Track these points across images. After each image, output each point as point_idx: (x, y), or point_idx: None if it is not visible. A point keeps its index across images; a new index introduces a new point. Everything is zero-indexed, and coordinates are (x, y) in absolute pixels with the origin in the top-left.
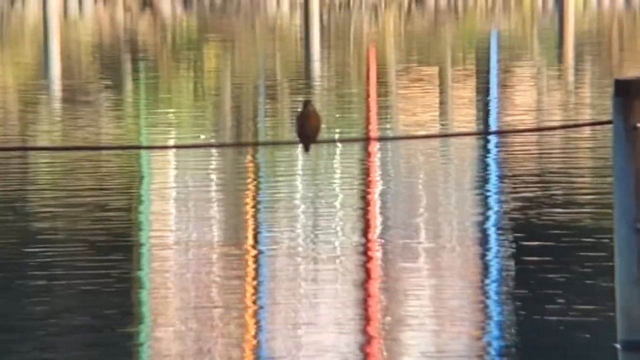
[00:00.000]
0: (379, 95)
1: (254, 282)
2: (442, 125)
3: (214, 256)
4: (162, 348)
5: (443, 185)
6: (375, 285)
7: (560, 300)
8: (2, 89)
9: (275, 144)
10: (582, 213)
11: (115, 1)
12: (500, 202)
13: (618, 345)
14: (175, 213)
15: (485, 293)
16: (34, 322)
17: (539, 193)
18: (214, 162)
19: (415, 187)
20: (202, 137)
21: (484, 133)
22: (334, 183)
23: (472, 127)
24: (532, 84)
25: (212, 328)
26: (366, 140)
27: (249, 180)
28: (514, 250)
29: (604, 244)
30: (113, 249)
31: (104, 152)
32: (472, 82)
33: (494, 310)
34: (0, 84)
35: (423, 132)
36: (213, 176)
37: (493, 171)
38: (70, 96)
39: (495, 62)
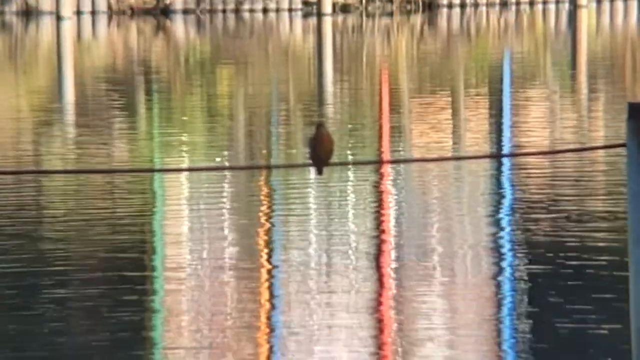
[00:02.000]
0: (391, 117)
1: (267, 304)
2: (454, 147)
3: (228, 278)
4: None
5: (455, 207)
6: (389, 306)
7: (574, 321)
8: (16, 112)
9: (288, 166)
10: (596, 235)
11: (128, 25)
12: (512, 224)
13: None
14: (189, 235)
15: (499, 313)
16: (46, 342)
17: (551, 215)
18: (226, 185)
19: (427, 209)
20: (218, 159)
21: (496, 156)
22: (347, 205)
23: (485, 149)
24: (545, 106)
25: (226, 348)
26: (379, 162)
27: (262, 203)
28: (527, 271)
29: (619, 266)
30: (126, 272)
31: (116, 175)
32: (484, 105)
33: (508, 330)
34: (14, 107)
35: (436, 155)
36: (226, 199)
37: (506, 193)
38: (84, 119)
39: (508, 85)
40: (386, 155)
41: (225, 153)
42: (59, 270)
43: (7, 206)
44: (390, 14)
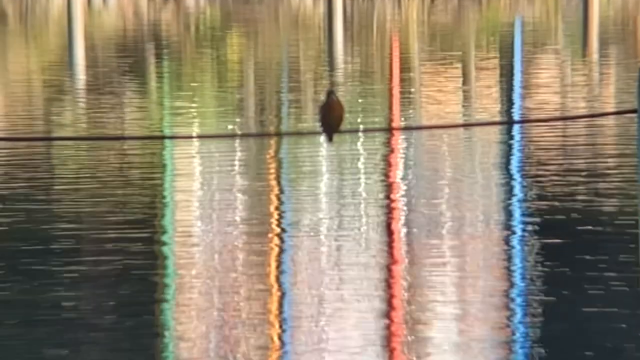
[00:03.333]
0: (402, 84)
1: (278, 268)
2: (465, 114)
3: (237, 249)
4: (185, 349)
5: (467, 175)
6: (399, 279)
7: (589, 299)
8: (27, 80)
9: (298, 134)
10: (607, 203)
11: None
12: (524, 192)
13: None
14: (198, 203)
15: (512, 289)
16: (57, 314)
17: (563, 183)
18: (237, 152)
19: (438, 176)
20: (228, 127)
21: (507, 122)
22: (357, 173)
23: (496, 116)
24: (556, 73)
25: (237, 311)
26: (389, 130)
27: (272, 170)
28: (539, 242)
29: (630, 234)
30: (135, 239)
31: (127, 142)
32: (495, 72)
33: (520, 305)
34: (26, 75)
35: (447, 122)
36: (236, 166)
37: (517, 161)
38: (95, 87)
39: (519, 51)
40: (397, 123)
41: (236, 120)
42: (67, 232)
43: (19, 171)
44: None
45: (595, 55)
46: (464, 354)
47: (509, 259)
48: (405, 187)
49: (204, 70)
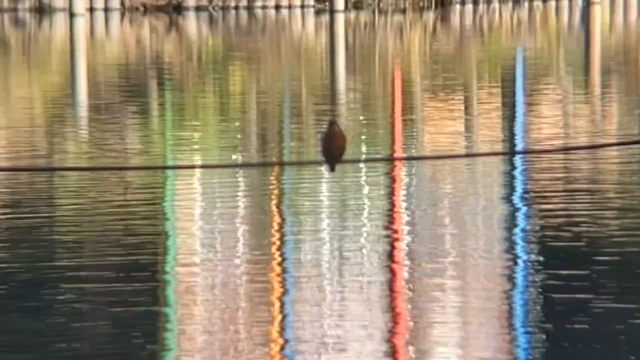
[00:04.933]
0: (404, 115)
1: (280, 300)
2: (467, 144)
3: (240, 275)
4: None
5: (469, 205)
6: (402, 303)
7: (588, 318)
8: (29, 109)
9: (300, 164)
10: (610, 231)
11: (141, 22)
12: (527, 222)
13: None
14: (201, 231)
15: (514, 316)
16: (57, 342)
17: (566, 213)
18: (239, 182)
19: (440, 206)
20: (231, 157)
21: (510, 153)
22: (359, 202)
23: (499, 146)
24: (559, 103)
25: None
26: (391, 160)
27: (274, 200)
28: (542, 269)
29: (635, 262)
30: (138, 268)
31: (130, 172)
32: (498, 101)
33: (522, 329)
34: (28, 104)
35: (449, 152)
36: (238, 196)
37: (520, 191)
38: (97, 116)
39: (521, 81)
40: (399, 152)
41: (238, 150)
42: (70, 260)
43: (21, 200)
44: (403, 11)
45: (597, 88)
46: None
47: (514, 291)
48: (407, 217)
49: (206, 100)
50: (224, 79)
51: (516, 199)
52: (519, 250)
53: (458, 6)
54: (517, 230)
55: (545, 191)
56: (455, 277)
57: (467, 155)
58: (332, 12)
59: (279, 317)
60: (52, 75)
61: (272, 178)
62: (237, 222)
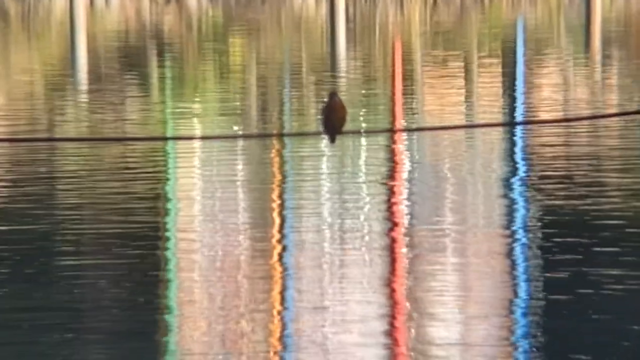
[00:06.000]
0: (404, 86)
1: (280, 272)
2: (468, 116)
3: (240, 250)
4: (187, 345)
5: (469, 176)
6: (402, 279)
7: (596, 288)
8: (29, 80)
9: (300, 135)
10: (611, 202)
11: None
12: (527, 192)
13: None
14: (201, 203)
15: (515, 288)
16: (60, 313)
17: (566, 184)
18: (239, 153)
19: (440, 177)
20: (231, 128)
21: (510, 124)
22: (359, 174)
23: (499, 117)
24: (559, 73)
25: (238, 329)
26: (391, 131)
27: (275, 171)
28: (542, 241)
29: (635, 234)
30: (139, 239)
31: (129, 143)
32: (498, 72)
33: (523, 303)
34: (28, 75)
35: (449, 123)
36: (238, 167)
37: (520, 161)
38: (97, 87)
39: (521, 52)
40: (399, 124)
41: (238, 121)
42: (70, 231)
43: (22, 172)
44: None
45: (597, 56)
46: None
47: (514, 263)
48: (407, 190)
49: (206, 72)
50: (224, 50)
51: (516, 167)
52: (519, 219)
53: None
54: (518, 198)
55: (544, 161)
56: (456, 239)
57: (467, 126)
58: None
59: (278, 274)
60: (52, 46)
61: (272, 149)
62: (237, 194)
